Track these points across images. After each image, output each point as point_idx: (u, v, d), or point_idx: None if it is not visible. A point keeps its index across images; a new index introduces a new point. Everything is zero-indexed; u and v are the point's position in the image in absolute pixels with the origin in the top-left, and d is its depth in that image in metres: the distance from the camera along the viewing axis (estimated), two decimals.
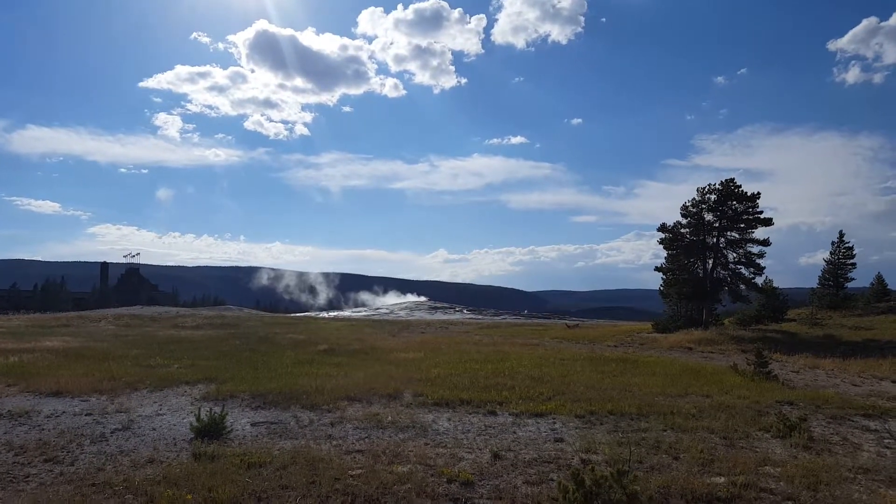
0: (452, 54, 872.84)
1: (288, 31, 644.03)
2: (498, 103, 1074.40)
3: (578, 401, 9.93)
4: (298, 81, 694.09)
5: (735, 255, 30.81)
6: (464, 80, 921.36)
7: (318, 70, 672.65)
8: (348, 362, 15.35)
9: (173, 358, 15.56)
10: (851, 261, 33.63)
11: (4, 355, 14.83)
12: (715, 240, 30.90)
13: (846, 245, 33.68)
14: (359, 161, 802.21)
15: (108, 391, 10.37)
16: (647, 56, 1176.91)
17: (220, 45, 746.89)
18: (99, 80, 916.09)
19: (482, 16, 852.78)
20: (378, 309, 75.99)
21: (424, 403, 9.73)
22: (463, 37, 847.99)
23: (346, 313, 69.66)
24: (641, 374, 13.89)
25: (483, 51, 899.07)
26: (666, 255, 32.43)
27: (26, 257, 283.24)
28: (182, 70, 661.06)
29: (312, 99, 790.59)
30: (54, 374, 11.79)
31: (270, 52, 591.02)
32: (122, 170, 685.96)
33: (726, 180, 30.63)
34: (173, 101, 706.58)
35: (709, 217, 30.92)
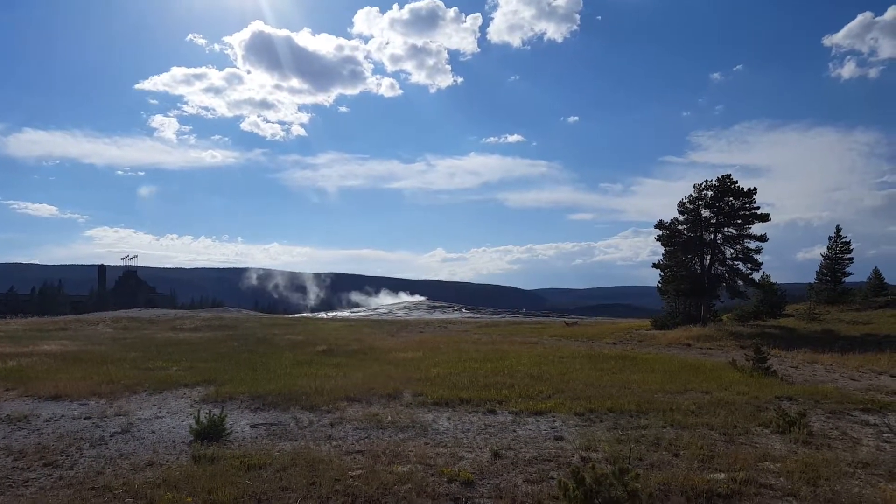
0: (448, 53, 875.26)
1: (284, 32, 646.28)
2: (494, 102, 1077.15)
3: (578, 398, 9.93)
4: (294, 82, 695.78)
5: (732, 251, 30.87)
6: (460, 79, 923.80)
7: (314, 70, 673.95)
8: (347, 363, 15.33)
9: (172, 360, 15.52)
10: (849, 255, 33.73)
11: (2, 359, 14.76)
12: (712, 236, 30.95)
13: (843, 240, 33.78)
14: (355, 161, 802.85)
15: (106, 394, 10.33)
16: (643, 53, 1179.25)
17: (216, 47, 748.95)
18: (95, 82, 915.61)
19: (478, 15, 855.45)
20: (376, 309, 75.92)
21: (424, 403, 9.72)
22: (459, 36, 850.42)
23: (345, 313, 69.60)
24: (640, 371, 13.90)
25: (479, 50, 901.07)
26: (663, 251, 32.51)
27: (23, 261, 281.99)
28: (178, 72, 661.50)
29: (309, 99, 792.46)
30: (53, 378, 11.74)
31: (266, 53, 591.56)
32: (119, 172, 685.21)
33: (723, 176, 30.70)
34: (169, 102, 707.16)
35: (706, 213, 30.98)
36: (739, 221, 30.39)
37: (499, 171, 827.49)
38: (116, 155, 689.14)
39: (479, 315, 59.18)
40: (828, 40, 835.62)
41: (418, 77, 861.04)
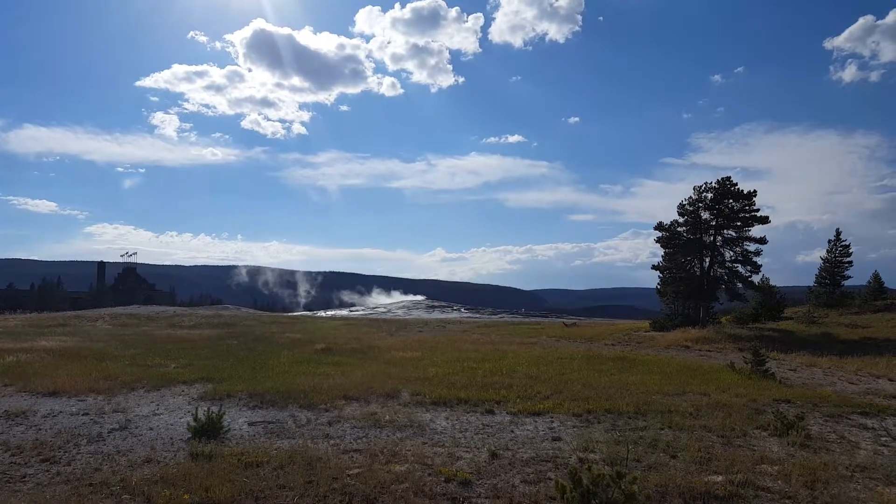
0: (450, 53, 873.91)
1: (285, 30, 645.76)
2: (495, 102, 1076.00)
3: (576, 399, 9.94)
4: (296, 80, 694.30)
5: (732, 253, 30.84)
6: (461, 79, 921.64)
7: (316, 69, 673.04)
8: (346, 361, 15.34)
9: (170, 357, 15.53)
10: (848, 259, 33.65)
11: (1, 355, 14.76)
12: (712, 238, 30.93)
13: (843, 243, 33.72)
14: (356, 160, 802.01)
15: (104, 391, 10.34)
16: (645, 54, 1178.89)
17: (218, 45, 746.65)
18: (96, 79, 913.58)
19: (479, 15, 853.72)
20: (375, 308, 75.86)
21: (422, 402, 9.72)
22: (460, 36, 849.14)
23: (344, 312, 69.60)
24: (639, 372, 13.90)
25: (480, 50, 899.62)
26: (663, 253, 32.46)
27: (23, 257, 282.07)
28: (179, 69, 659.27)
29: (310, 98, 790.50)
30: (51, 374, 11.74)
31: (268, 51, 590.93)
32: (119, 169, 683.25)
33: (723, 178, 30.66)
34: (170, 100, 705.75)
35: (706, 215, 30.95)
36: (739, 224, 30.38)
37: (499, 172, 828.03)
38: (117, 152, 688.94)
39: (478, 315, 59.17)
40: (829, 43, 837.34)
41: (419, 76, 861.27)
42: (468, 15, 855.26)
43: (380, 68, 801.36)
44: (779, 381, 12.82)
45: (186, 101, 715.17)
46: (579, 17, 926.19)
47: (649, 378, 12.82)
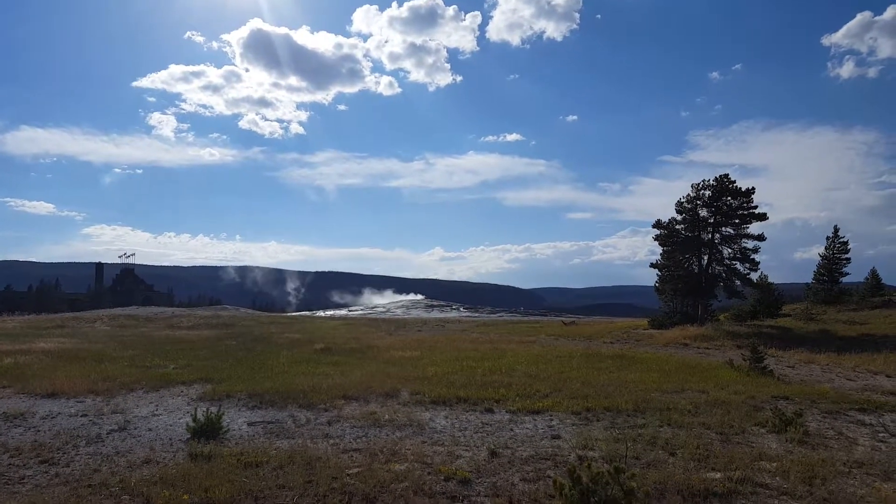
0: (447, 52, 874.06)
1: (282, 30, 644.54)
2: (493, 101, 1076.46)
3: (575, 397, 9.95)
4: (293, 80, 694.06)
5: (730, 250, 30.87)
6: (459, 78, 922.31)
7: (313, 68, 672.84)
8: (345, 361, 15.33)
9: (169, 358, 15.52)
10: (846, 255, 33.71)
11: None
12: (710, 235, 30.96)
13: (841, 240, 33.77)
14: (354, 159, 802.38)
15: (103, 392, 10.32)
16: (642, 52, 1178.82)
17: (215, 44, 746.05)
18: (92, 79, 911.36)
19: (477, 13, 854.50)
20: (374, 307, 75.82)
21: (421, 401, 9.73)
22: (458, 34, 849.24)
23: (343, 312, 69.55)
24: (637, 370, 13.93)
25: (478, 48, 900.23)
26: (661, 251, 32.50)
27: (21, 258, 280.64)
28: (176, 69, 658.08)
29: (307, 97, 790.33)
30: (49, 376, 11.73)
31: (265, 50, 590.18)
32: (117, 170, 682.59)
33: (721, 176, 30.70)
34: (167, 100, 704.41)
35: (704, 213, 30.98)
36: (737, 221, 30.40)
37: (497, 170, 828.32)
38: (114, 153, 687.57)
39: (476, 314, 59.17)
40: (827, 40, 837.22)
41: (417, 75, 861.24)
42: (466, 13, 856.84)
43: (377, 67, 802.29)
44: (777, 378, 12.85)
45: (183, 101, 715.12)
46: (577, 15, 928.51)
47: (648, 376, 12.84)
